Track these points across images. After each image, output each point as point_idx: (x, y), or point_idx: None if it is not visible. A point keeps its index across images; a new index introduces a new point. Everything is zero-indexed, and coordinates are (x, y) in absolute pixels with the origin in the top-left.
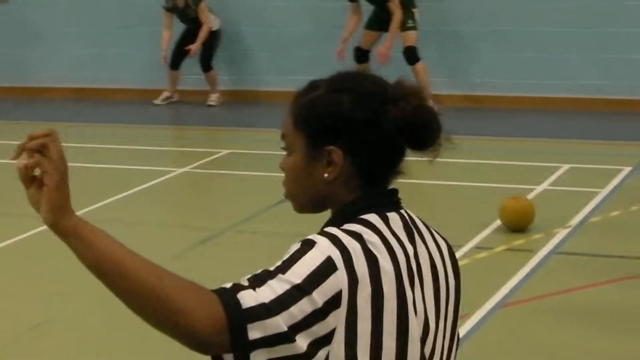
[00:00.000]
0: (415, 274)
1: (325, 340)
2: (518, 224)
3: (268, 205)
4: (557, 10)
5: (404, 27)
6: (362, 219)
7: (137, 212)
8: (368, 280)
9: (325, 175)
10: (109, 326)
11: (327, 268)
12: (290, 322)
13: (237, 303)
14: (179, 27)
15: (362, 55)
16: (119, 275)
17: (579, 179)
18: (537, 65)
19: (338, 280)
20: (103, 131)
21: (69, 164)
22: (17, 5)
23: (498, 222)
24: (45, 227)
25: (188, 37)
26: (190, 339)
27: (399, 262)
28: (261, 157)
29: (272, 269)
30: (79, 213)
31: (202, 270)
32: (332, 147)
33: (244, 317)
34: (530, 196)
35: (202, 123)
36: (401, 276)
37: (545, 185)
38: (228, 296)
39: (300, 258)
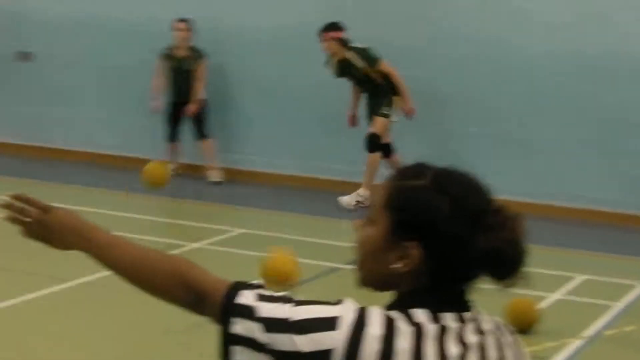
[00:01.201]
0: None
1: None
2: (520, 322)
3: None
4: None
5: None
6: (408, 310)
7: None
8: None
9: (397, 265)
10: None
11: (327, 323)
12: (269, 342)
13: (234, 294)
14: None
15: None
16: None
17: (593, 291)
18: (548, 173)
19: (332, 339)
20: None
21: None
22: (40, 64)
23: None
24: None
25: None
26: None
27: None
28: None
29: (297, 298)
30: None
31: None
32: (412, 243)
33: (232, 307)
34: (543, 304)
35: None
36: None
37: (558, 295)
38: (234, 285)
39: (320, 303)
